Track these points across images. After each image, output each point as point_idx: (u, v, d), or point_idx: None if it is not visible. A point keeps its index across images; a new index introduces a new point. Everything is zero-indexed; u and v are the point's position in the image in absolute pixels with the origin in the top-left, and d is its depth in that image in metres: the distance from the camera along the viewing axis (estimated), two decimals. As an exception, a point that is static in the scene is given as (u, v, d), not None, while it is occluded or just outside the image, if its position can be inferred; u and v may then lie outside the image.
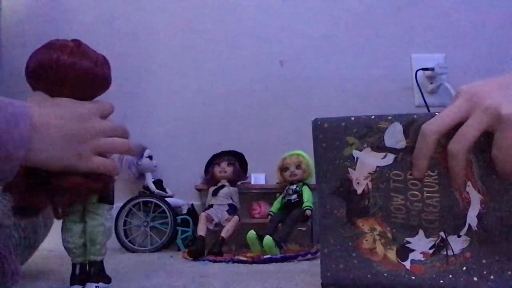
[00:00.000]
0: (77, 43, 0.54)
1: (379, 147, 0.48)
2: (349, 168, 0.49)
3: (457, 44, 1.32)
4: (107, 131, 0.51)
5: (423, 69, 1.28)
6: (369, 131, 0.48)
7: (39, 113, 0.45)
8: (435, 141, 0.44)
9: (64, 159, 0.47)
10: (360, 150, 0.49)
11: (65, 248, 0.57)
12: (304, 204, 0.99)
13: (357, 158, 0.49)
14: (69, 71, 0.51)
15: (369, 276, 0.48)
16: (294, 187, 1.04)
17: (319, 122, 0.51)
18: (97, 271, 0.57)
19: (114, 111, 0.55)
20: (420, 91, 1.29)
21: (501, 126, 0.41)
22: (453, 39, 1.32)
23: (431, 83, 1.29)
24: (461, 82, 1.40)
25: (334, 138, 0.50)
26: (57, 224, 0.75)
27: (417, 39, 1.33)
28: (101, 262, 0.58)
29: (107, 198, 0.58)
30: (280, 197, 1.06)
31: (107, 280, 0.58)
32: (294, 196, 1.02)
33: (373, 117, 0.49)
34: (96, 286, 0.55)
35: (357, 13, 1.36)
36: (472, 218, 0.45)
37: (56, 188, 0.49)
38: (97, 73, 0.53)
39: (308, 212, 0.98)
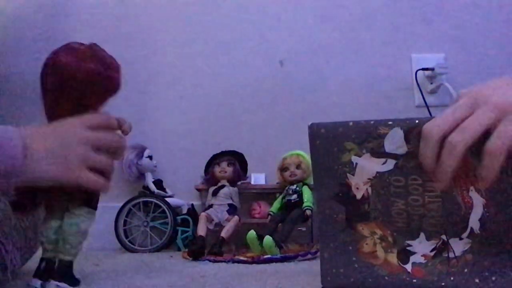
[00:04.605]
0: (90, 46, 0.55)
1: (379, 153, 0.46)
2: (348, 174, 0.48)
3: (457, 44, 1.32)
4: (96, 142, 0.51)
5: (423, 69, 1.28)
6: (368, 136, 0.47)
7: (27, 135, 0.47)
8: (438, 142, 0.42)
9: (51, 174, 0.48)
10: (359, 156, 0.47)
11: (39, 241, 0.57)
12: (304, 204, 0.99)
13: (356, 163, 0.48)
14: (74, 73, 0.52)
15: (370, 279, 0.48)
16: (294, 187, 1.04)
17: (315, 128, 0.49)
18: (62, 271, 0.55)
19: (111, 123, 0.55)
20: (420, 91, 1.29)
21: (508, 117, 0.39)
22: (453, 39, 1.32)
23: (431, 83, 1.29)
24: (461, 82, 1.40)
25: (331, 144, 0.48)
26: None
27: (417, 39, 1.33)
28: (69, 262, 0.56)
29: (89, 202, 0.57)
30: (280, 197, 1.06)
31: (72, 282, 0.55)
32: (294, 196, 1.02)
33: (372, 122, 0.47)
34: (56, 285, 0.53)
35: (357, 13, 1.35)
36: (474, 221, 0.45)
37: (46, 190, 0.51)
38: (104, 76, 0.53)
39: (308, 212, 0.97)
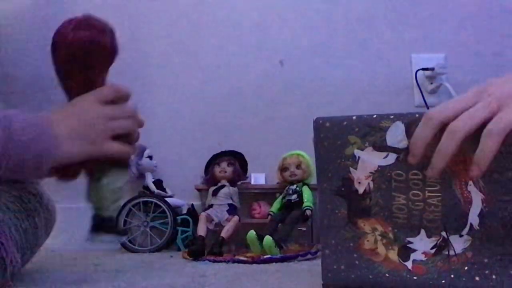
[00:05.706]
0: (84, 16, 0.59)
1: (381, 147, 0.48)
2: (350, 168, 0.49)
3: (457, 44, 1.32)
4: (112, 116, 0.57)
5: (423, 69, 1.27)
6: (371, 130, 0.48)
7: (52, 120, 0.53)
8: (437, 127, 0.42)
9: (77, 152, 0.53)
10: (362, 150, 0.49)
11: (90, 202, 0.62)
12: (304, 204, 0.99)
13: (359, 157, 0.49)
14: (69, 43, 0.55)
15: (370, 276, 0.48)
16: (294, 187, 1.04)
17: (320, 121, 0.51)
18: (106, 225, 0.60)
19: (122, 93, 0.60)
20: (420, 91, 1.29)
21: (510, 105, 0.40)
22: (453, 39, 1.32)
23: (431, 83, 1.29)
24: (461, 82, 1.40)
25: (335, 137, 0.50)
26: (58, 225, 0.75)
27: (417, 39, 1.33)
28: (111, 218, 0.61)
29: (119, 163, 0.61)
30: (280, 197, 1.06)
31: (117, 233, 0.63)
32: (294, 196, 1.02)
33: (375, 116, 0.49)
34: (101, 239, 0.60)
35: (357, 13, 1.35)
36: (473, 217, 0.45)
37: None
38: (96, 41, 0.56)
39: (308, 212, 0.98)
